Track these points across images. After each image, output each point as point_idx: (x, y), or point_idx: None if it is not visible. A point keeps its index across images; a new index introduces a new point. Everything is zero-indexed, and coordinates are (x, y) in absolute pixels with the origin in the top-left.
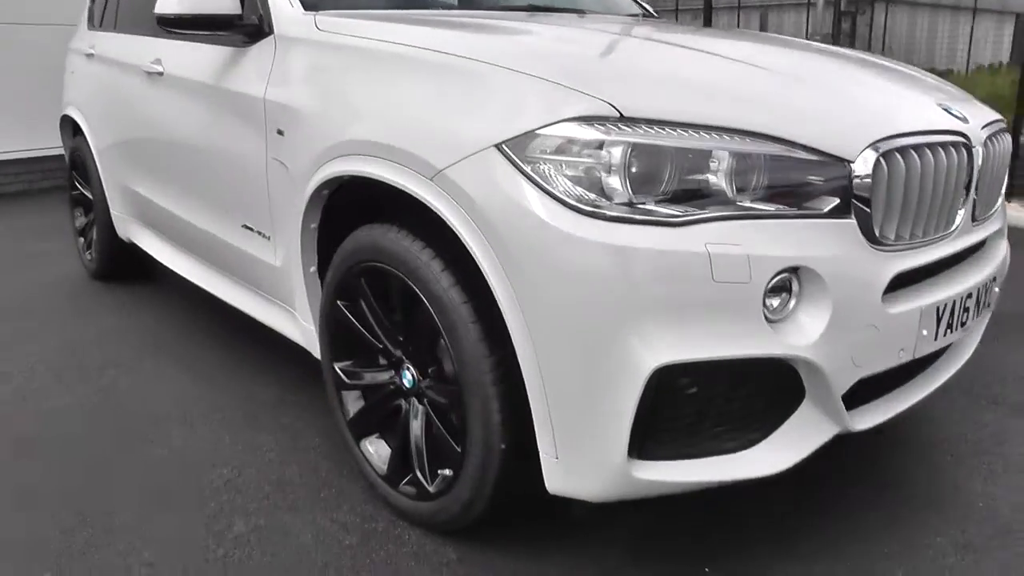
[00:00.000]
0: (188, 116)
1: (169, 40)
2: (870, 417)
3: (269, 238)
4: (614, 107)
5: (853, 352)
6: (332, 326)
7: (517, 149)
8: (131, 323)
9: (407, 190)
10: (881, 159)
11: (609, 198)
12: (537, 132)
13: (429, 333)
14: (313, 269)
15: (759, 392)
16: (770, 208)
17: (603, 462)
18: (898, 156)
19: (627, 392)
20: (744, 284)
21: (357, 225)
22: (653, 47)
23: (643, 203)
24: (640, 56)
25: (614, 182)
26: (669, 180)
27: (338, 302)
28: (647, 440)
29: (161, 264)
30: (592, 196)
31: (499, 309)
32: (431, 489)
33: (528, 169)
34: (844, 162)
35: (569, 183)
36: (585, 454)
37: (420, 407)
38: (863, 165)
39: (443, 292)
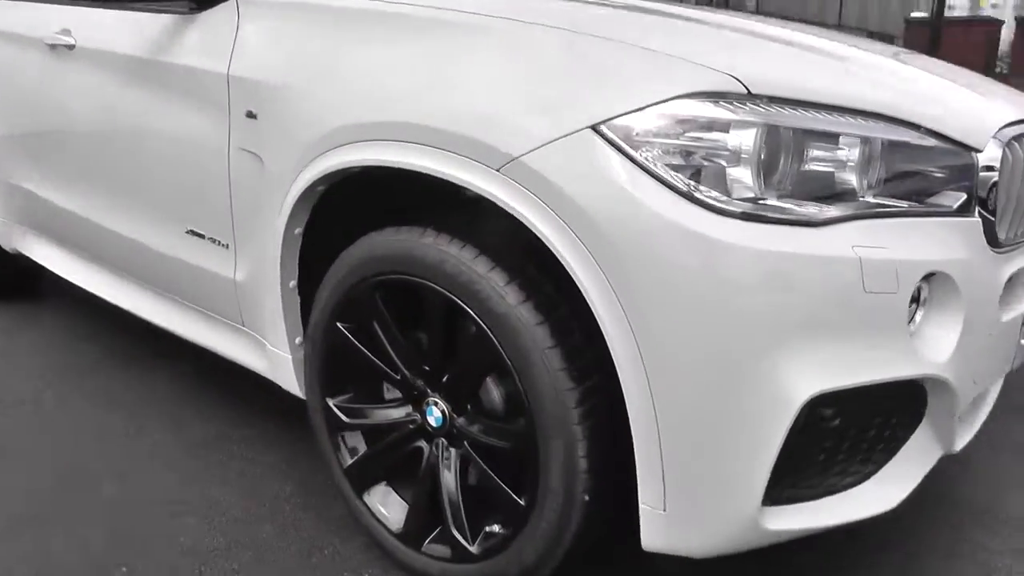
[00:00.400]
0: (110, 98)
1: (82, 7)
2: (965, 435)
3: (227, 246)
4: (740, 82)
5: (974, 366)
6: (326, 354)
7: (621, 131)
8: (20, 348)
9: (462, 183)
10: (1006, 149)
11: (729, 192)
12: (646, 110)
13: (479, 361)
14: (293, 284)
15: (888, 418)
16: (902, 205)
17: (730, 513)
18: (1017, 146)
19: (772, 428)
20: (892, 295)
21: (352, 229)
22: (756, 23)
23: (767, 199)
24: (753, 29)
25: (741, 172)
26: (797, 171)
27: (338, 324)
28: (779, 484)
29: (56, 278)
30: (715, 189)
31: (585, 330)
32: (473, 549)
33: (637, 155)
34: (971, 151)
35: (686, 173)
36: (706, 505)
37: (453, 451)
38: (989, 155)
39: (509, 311)
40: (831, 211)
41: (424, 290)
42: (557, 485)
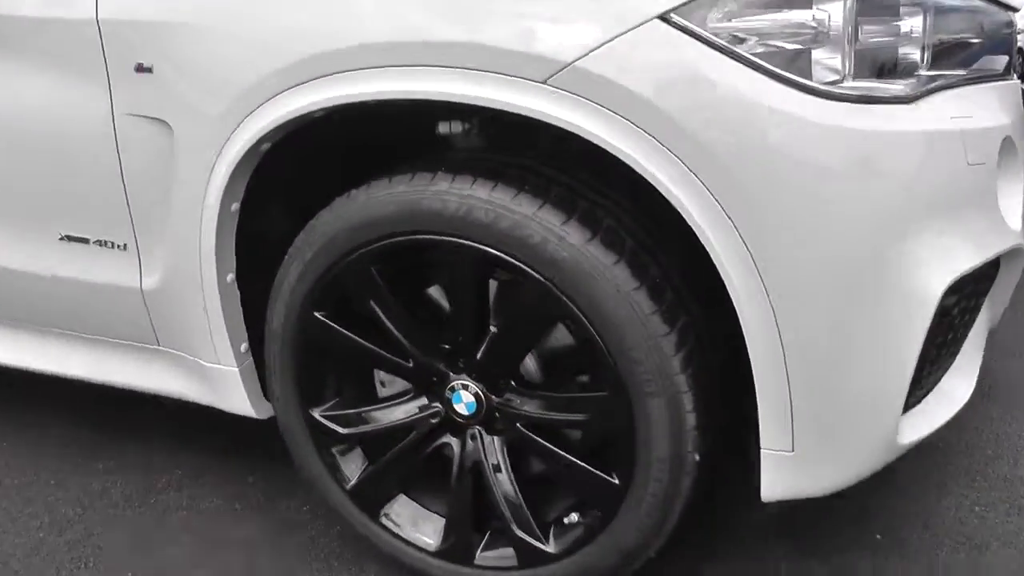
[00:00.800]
0: None
1: None
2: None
3: (124, 247)
4: None
5: None
6: (302, 355)
7: (694, 17)
8: None
9: (498, 106)
10: None
11: (816, 73)
12: None
13: (532, 324)
14: (232, 277)
15: (971, 300)
16: (960, 73)
17: (869, 434)
18: None
19: (913, 328)
20: (984, 165)
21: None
22: None
23: (855, 80)
24: None
25: (829, 54)
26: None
27: (316, 314)
28: (910, 392)
29: None
30: (803, 71)
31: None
32: (550, 548)
33: (721, 42)
34: (1011, 10)
35: (771, 56)
36: (842, 431)
37: (495, 438)
38: None
39: (574, 253)
40: (917, 85)
41: (444, 250)
42: (663, 450)
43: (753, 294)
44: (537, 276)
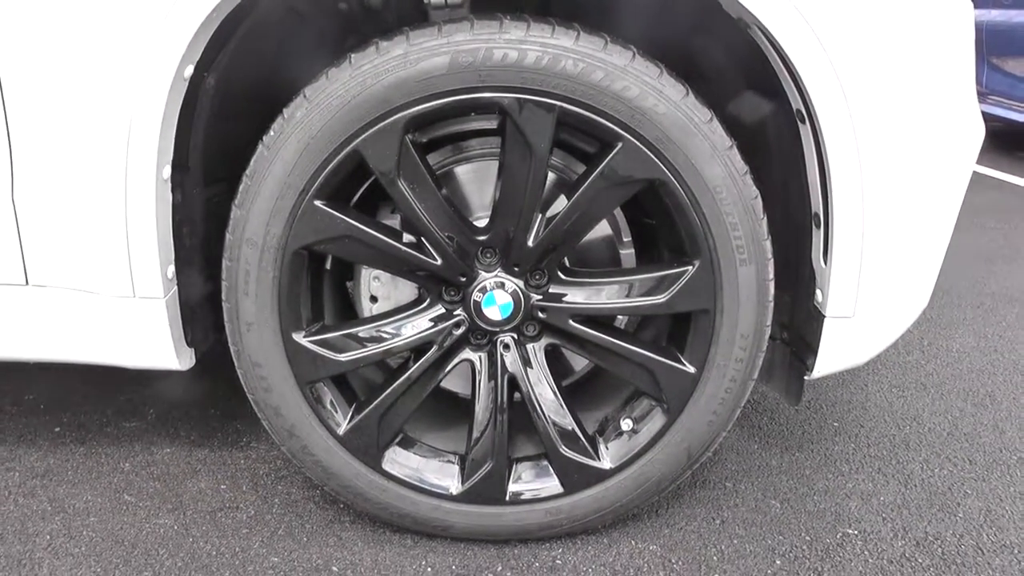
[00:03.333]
0: None
1: None
2: None
3: None
4: None
5: None
6: (289, 262)
7: None
8: None
9: None
10: None
11: None
12: None
13: (614, 192)
14: (168, 172)
15: None
16: None
17: (922, 286)
18: None
19: (965, 172)
20: None
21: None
22: None
23: None
24: None
25: None
26: None
27: (317, 203)
28: None
29: None
30: None
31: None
32: (604, 465)
33: None
34: None
35: None
36: (894, 294)
37: (534, 346)
38: None
39: (672, 107)
40: None
41: (513, 110)
42: (748, 325)
43: (847, 149)
44: (626, 134)
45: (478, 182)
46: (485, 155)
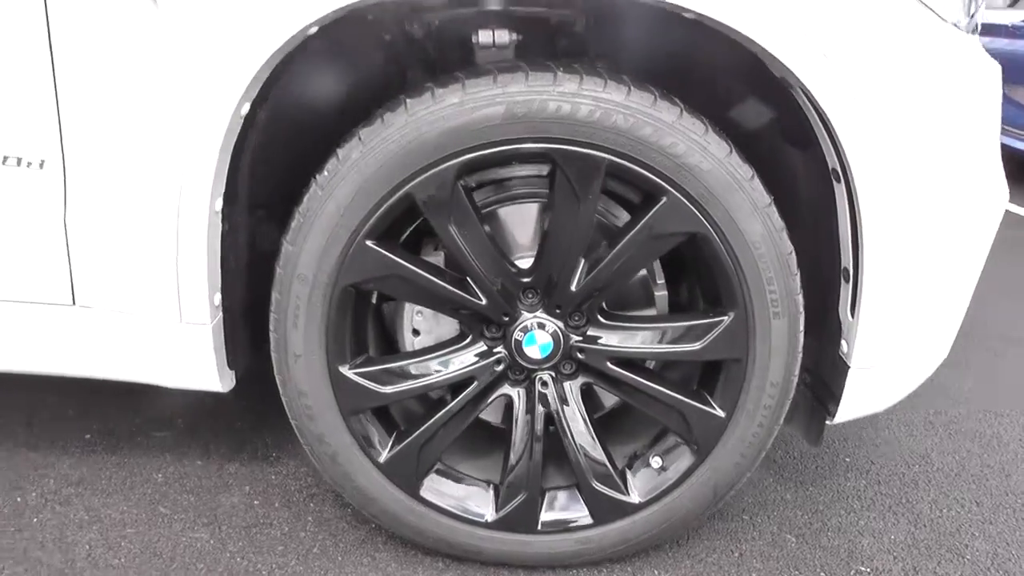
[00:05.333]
0: None
1: None
2: None
3: (42, 165)
4: None
5: None
6: (338, 298)
7: None
8: None
9: None
10: None
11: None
12: None
13: (652, 242)
14: (220, 205)
15: None
16: None
17: (943, 340)
18: None
19: (989, 233)
20: None
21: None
22: None
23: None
24: None
25: None
26: None
27: (368, 243)
28: None
29: None
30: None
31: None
32: (633, 499)
33: None
34: None
35: None
36: (925, 342)
37: (571, 384)
38: None
39: (716, 164)
40: None
41: (563, 159)
42: (778, 374)
43: (879, 208)
44: (671, 188)
45: (520, 224)
46: (527, 196)
